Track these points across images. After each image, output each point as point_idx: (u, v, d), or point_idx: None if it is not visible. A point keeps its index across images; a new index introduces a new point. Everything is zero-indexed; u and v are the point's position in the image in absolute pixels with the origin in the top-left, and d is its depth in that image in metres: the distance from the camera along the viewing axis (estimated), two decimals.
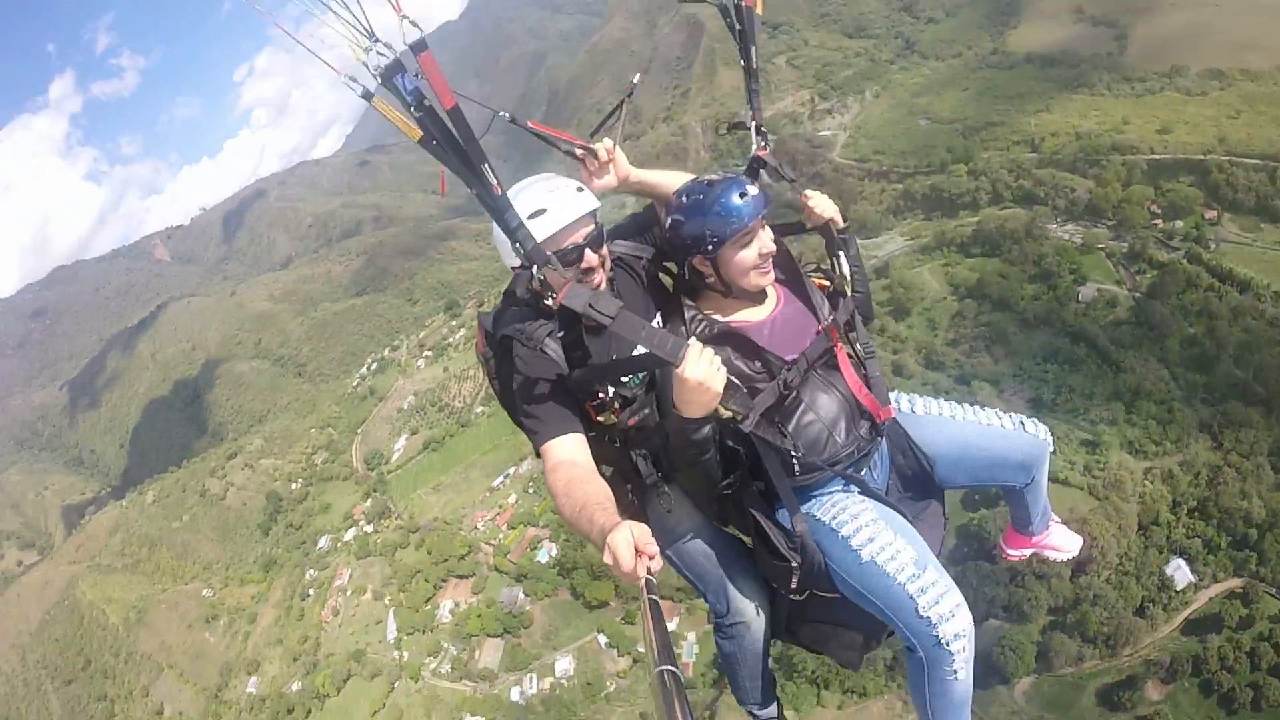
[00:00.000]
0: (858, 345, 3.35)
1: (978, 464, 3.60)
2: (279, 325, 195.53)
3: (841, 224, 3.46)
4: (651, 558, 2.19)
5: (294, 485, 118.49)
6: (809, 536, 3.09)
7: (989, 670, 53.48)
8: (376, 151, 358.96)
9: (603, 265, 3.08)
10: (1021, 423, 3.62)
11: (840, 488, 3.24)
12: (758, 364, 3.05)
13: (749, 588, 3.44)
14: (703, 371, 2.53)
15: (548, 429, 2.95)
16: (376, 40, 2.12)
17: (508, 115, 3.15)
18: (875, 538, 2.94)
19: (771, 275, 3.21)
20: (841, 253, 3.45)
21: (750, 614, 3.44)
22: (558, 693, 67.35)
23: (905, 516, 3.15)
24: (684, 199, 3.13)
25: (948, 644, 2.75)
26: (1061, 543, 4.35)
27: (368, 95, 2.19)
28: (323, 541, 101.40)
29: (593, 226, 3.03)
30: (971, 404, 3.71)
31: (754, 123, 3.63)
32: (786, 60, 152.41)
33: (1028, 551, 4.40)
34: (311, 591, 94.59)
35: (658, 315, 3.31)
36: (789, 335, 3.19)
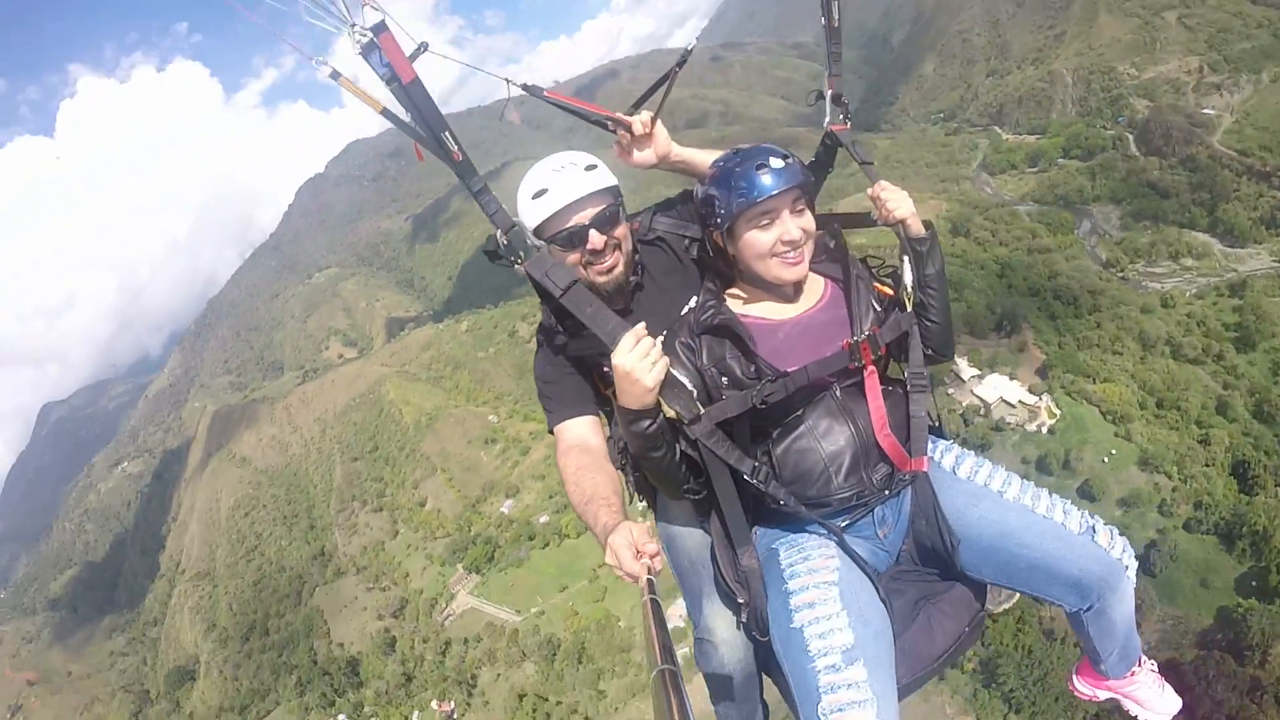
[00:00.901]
0: (906, 373, 2.83)
1: (1015, 563, 2.79)
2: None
3: (920, 230, 2.86)
4: (652, 557, 2.21)
5: None
6: (755, 576, 2.71)
7: None
8: (730, 48, 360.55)
9: (618, 248, 2.85)
10: (1093, 528, 2.79)
11: (820, 533, 2.74)
12: (753, 368, 2.63)
13: (729, 605, 2.96)
14: (630, 362, 2.35)
15: (561, 410, 2.96)
16: (355, 25, 2.31)
17: (520, 86, 2.98)
18: (816, 604, 2.49)
19: (800, 269, 2.73)
20: (908, 258, 2.86)
21: (721, 634, 2.99)
22: None
23: (882, 598, 2.62)
24: (713, 166, 2.81)
25: None
26: (1149, 699, 3.30)
27: (335, 75, 2.42)
28: None
29: (603, 206, 2.79)
30: (1050, 495, 2.89)
31: (830, 91, 3.21)
32: (1178, 17, 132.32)
33: (1102, 694, 3.39)
34: None
35: (693, 298, 3.01)
36: (807, 343, 2.72)
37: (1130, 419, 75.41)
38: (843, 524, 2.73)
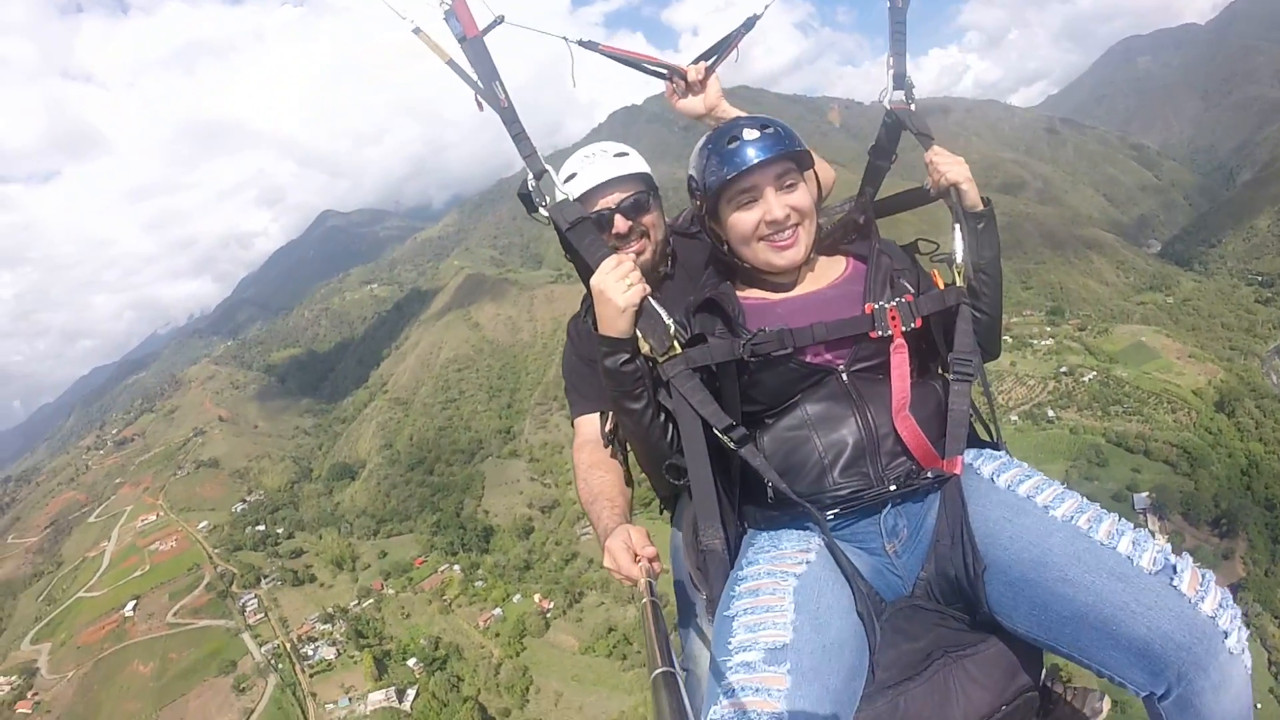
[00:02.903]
0: (948, 361, 2.32)
1: (1054, 608, 1.94)
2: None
3: (976, 201, 2.44)
4: (651, 560, 2.10)
5: None
6: (716, 560, 2.20)
7: None
8: (1070, 125, 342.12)
9: (645, 235, 2.85)
10: (1173, 567, 1.85)
11: (808, 528, 2.20)
12: (741, 344, 2.23)
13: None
14: (606, 281, 2.25)
15: (582, 403, 2.90)
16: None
17: (577, 42, 2.84)
18: (761, 592, 1.98)
19: (792, 253, 2.34)
20: (959, 227, 2.44)
21: (702, 665, 2.49)
22: None
23: (863, 615, 2.00)
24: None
25: None
26: None
27: (416, 30, 2.58)
28: None
29: (632, 193, 2.81)
30: (1119, 518, 2.02)
31: (892, 69, 2.78)
32: None
33: None
34: None
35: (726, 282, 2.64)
36: (810, 316, 2.27)
37: None
38: (831, 520, 2.18)
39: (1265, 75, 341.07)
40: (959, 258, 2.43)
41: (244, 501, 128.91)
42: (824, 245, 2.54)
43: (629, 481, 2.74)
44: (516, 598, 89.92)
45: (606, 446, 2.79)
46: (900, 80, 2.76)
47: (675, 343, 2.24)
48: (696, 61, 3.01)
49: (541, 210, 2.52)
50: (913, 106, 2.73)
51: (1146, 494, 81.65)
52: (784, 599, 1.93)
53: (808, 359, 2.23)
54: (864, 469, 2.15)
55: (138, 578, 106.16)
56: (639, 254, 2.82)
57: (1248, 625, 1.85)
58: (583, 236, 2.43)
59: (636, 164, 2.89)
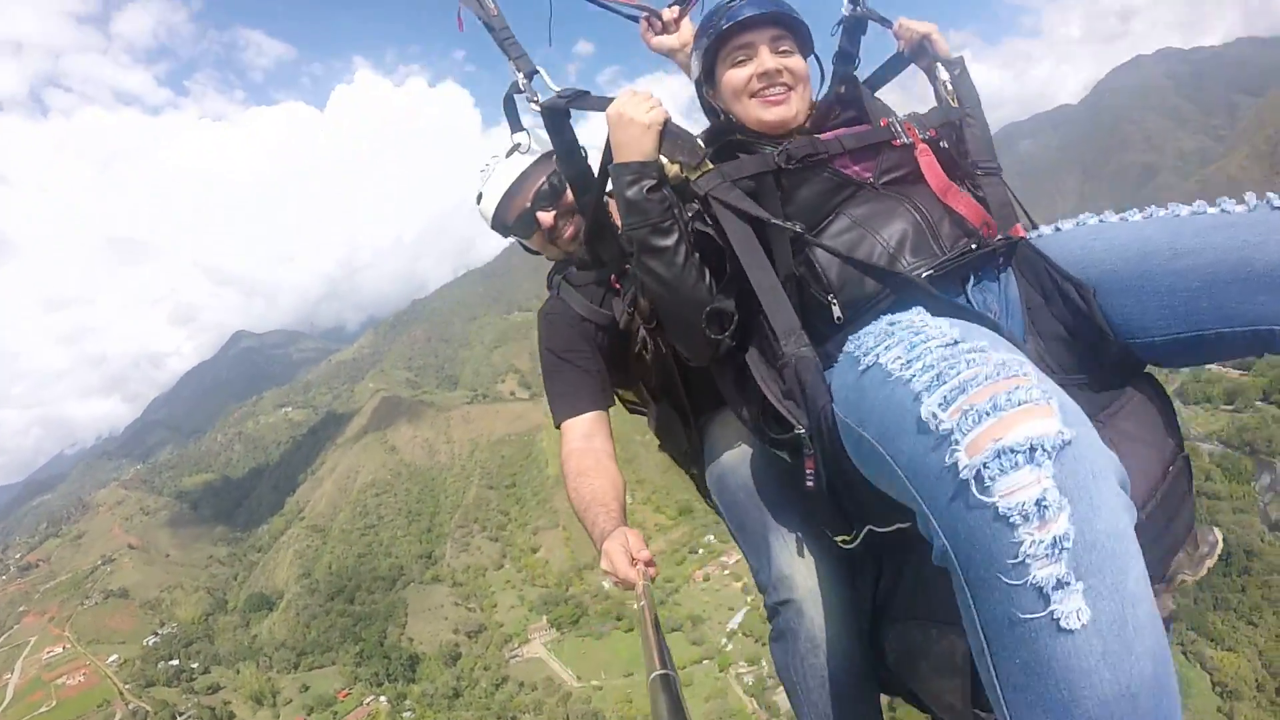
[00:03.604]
0: (968, 168, 2.25)
1: (1181, 286, 1.76)
2: None
3: (948, 50, 2.43)
4: (648, 563, 2.06)
5: None
6: (809, 367, 1.86)
7: None
8: None
9: (573, 213, 2.73)
10: (1268, 200, 1.77)
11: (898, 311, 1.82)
12: (775, 153, 2.07)
13: (811, 547, 2.11)
14: (626, 106, 2.10)
15: (565, 406, 2.67)
16: None
17: None
18: (922, 330, 1.61)
19: (783, 109, 2.23)
20: (940, 74, 2.43)
21: (803, 586, 2.06)
22: None
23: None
24: None
25: (1018, 520, 1.20)
26: None
27: None
28: None
29: (539, 184, 2.74)
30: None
31: None
32: None
33: None
34: (699, 550, 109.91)
35: None
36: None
37: (1240, 696, 69.00)
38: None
39: (1137, 143, 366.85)
40: (947, 83, 2.40)
41: (156, 634, 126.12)
42: (816, 122, 2.36)
43: (622, 483, 2.55)
44: None
45: (606, 406, 2.69)
46: None
47: (706, 161, 2.10)
48: (671, 5, 3.03)
49: (533, 106, 2.46)
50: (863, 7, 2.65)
51: None
52: (946, 327, 1.60)
53: (839, 169, 2.10)
54: (931, 249, 1.96)
55: (44, 714, 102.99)
56: (574, 235, 2.74)
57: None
58: (585, 102, 2.31)
59: (524, 161, 2.78)
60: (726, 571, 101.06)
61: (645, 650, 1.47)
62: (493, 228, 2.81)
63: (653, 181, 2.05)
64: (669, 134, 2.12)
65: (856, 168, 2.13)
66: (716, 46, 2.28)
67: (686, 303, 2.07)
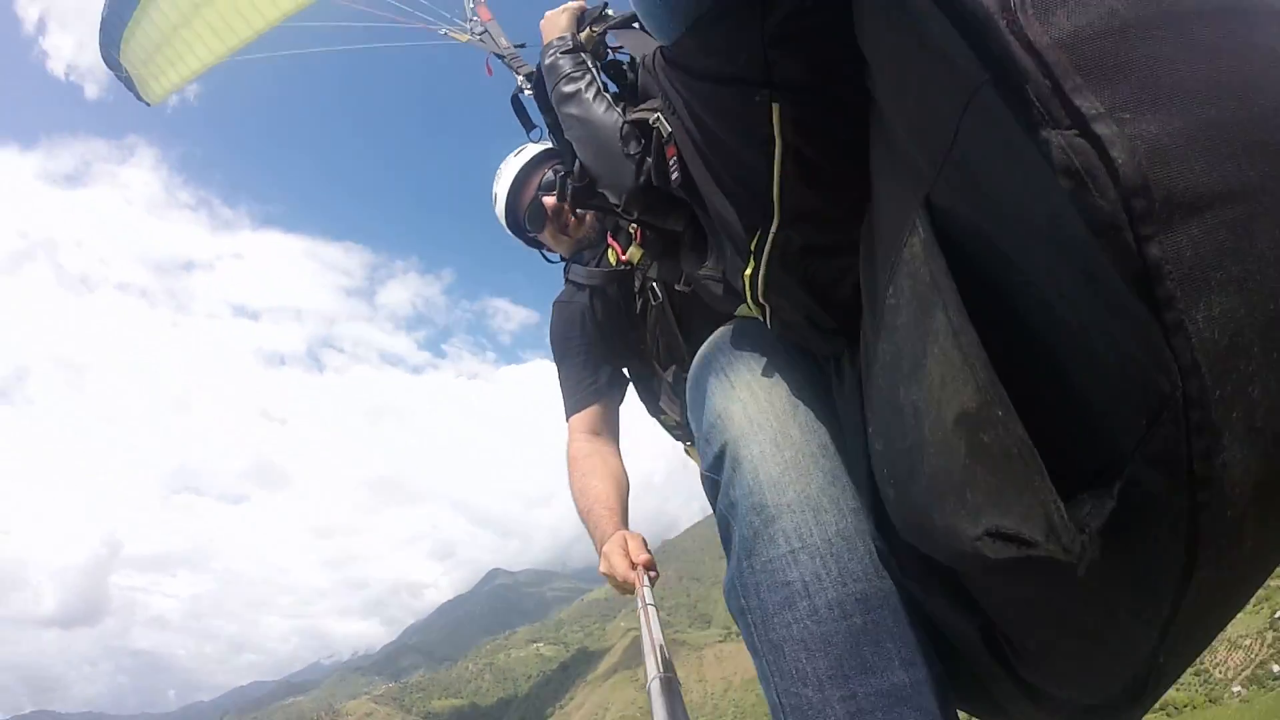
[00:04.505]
0: None
1: None
2: None
3: None
4: (647, 566, 2.00)
5: None
6: None
7: None
8: None
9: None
10: None
11: None
12: None
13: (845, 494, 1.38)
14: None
15: (572, 401, 2.67)
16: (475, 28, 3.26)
17: None
18: None
19: None
20: None
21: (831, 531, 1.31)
22: None
23: None
24: None
25: None
26: None
27: (445, 34, 3.24)
28: None
29: (543, 175, 2.84)
30: None
31: None
32: None
33: None
34: None
35: None
36: None
37: None
38: None
39: None
40: None
41: None
42: None
43: (625, 480, 2.52)
44: None
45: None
46: None
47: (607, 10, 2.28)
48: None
49: (525, 93, 2.67)
50: None
51: None
52: None
53: None
54: None
55: None
56: (580, 223, 2.78)
57: None
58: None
59: (536, 149, 2.92)
60: None
61: (645, 653, 1.45)
62: (508, 228, 2.90)
63: (567, 47, 2.17)
64: (585, 15, 2.29)
65: None
66: None
67: (601, 126, 1.97)
